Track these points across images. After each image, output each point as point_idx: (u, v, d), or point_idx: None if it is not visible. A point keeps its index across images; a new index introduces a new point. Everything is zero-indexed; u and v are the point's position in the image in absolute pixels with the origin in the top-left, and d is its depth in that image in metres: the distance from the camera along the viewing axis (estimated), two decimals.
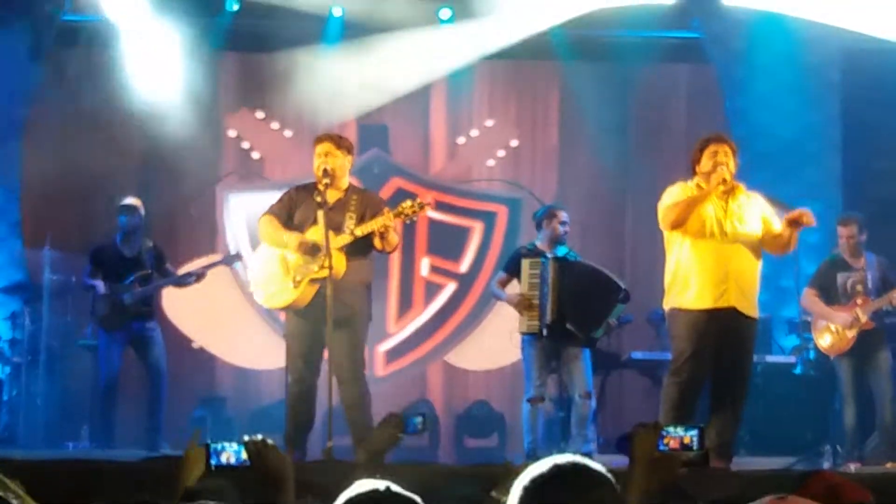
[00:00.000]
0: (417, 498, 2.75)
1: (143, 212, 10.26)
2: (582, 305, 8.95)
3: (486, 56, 12.22)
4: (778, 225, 7.64)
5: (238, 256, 10.73)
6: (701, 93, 12.67)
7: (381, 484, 2.73)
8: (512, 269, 9.35)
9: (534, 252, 9.31)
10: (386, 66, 11.98)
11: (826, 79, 12.39)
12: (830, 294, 9.67)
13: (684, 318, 7.48)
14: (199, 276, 10.17)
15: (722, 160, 7.54)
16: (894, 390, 9.50)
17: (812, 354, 11.14)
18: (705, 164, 7.58)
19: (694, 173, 7.70)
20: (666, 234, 7.71)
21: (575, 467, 2.32)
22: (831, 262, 9.81)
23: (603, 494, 2.29)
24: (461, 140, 12.78)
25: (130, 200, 10.24)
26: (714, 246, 7.47)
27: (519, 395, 9.73)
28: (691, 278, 7.49)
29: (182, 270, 10.66)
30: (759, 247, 7.65)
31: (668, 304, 7.67)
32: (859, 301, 9.50)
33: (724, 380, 7.49)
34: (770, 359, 10.87)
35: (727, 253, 7.47)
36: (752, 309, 7.56)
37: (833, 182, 12.52)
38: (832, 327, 9.59)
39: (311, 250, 7.66)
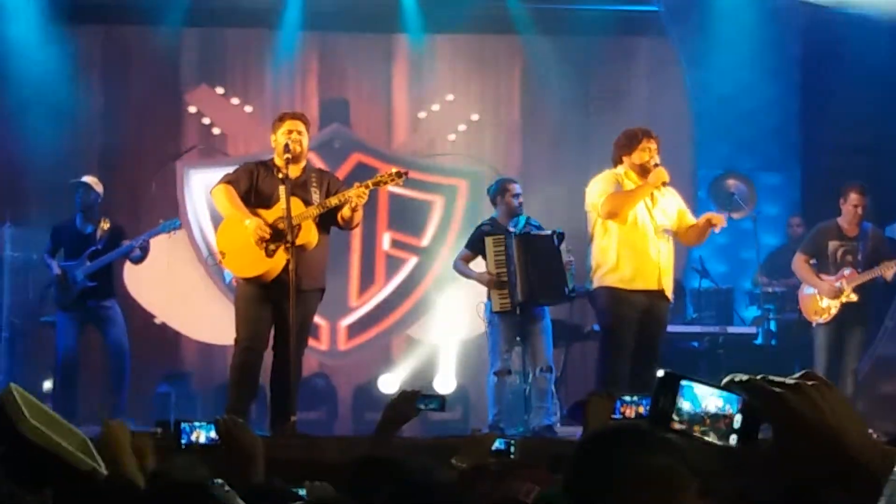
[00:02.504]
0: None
1: (99, 189, 10.13)
2: (547, 274, 9.00)
3: (448, 30, 12.23)
4: (691, 217, 8.28)
5: (176, 223, 10.44)
6: (661, 66, 12.71)
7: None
8: (475, 246, 9.35)
9: (495, 228, 9.31)
10: (347, 40, 11.97)
11: (786, 51, 12.46)
12: (821, 261, 9.64)
13: (622, 297, 8.05)
14: (142, 247, 9.96)
15: (654, 156, 8.06)
16: (857, 363, 9.57)
17: (773, 325, 11.24)
18: (637, 156, 8.09)
19: (619, 161, 8.19)
20: (595, 217, 8.16)
21: (637, 429, 2.28)
22: (826, 228, 9.72)
23: (666, 458, 2.21)
24: (422, 114, 12.78)
25: (86, 178, 10.13)
26: (642, 232, 8.03)
27: (482, 369, 9.77)
28: (626, 262, 8.04)
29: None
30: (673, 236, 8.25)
31: (600, 283, 8.15)
32: (846, 272, 9.45)
33: (646, 355, 8.01)
34: (731, 329, 10.95)
35: (652, 238, 8.04)
36: (671, 291, 8.23)
37: (792, 154, 12.62)
38: (815, 295, 9.56)
39: (277, 235, 7.62)
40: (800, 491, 1.51)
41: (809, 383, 1.45)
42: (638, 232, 8.00)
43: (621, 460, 2.22)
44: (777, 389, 1.43)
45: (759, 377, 1.45)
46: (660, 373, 1.47)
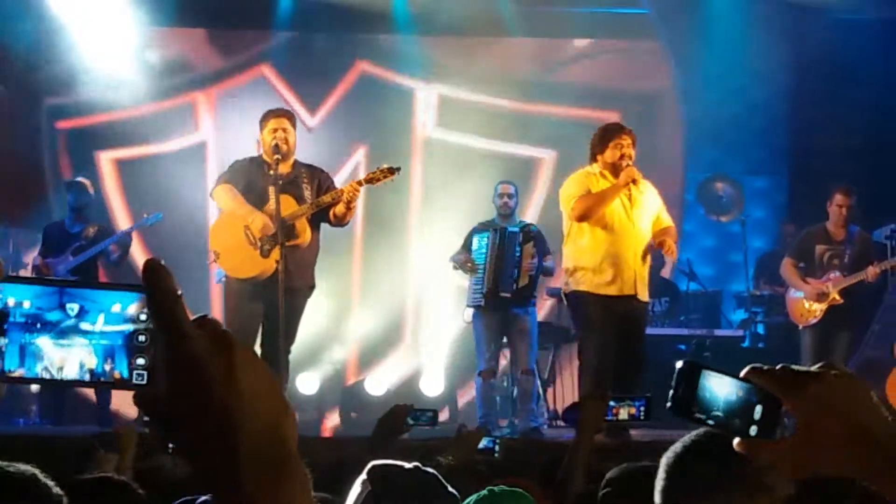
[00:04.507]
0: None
1: (92, 190, 10.13)
2: (505, 268, 9.12)
3: (437, 32, 12.23)
4: (665, 219, 8.11)
5: (158, 216, 10.39)
6: (651, 69, 12.71)
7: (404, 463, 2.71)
8: (466, 243, 9.50)
9: (488, 226, 9.42)
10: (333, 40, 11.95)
11: (774, 55, 12.46)
12: (808, 264, 9.63)
13: (597, 301, 7.85)
14: (121, 244, 9.93)
15: (627, 153, 7.88)
16: (844, 366, 9.54)
17: (760, 328, 11.24)
18: (609, 154, 7.91)
19: (594, 160, 8.02)
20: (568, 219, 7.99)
21: (710, 436, 2.28)
22: (813, 232, 9.71)
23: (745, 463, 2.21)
24: None
25: (79, 178, 10.13)
26: (620, 234, 7.84)
27: (469, 370, 9.77)
28: (603, 266, 7.84)
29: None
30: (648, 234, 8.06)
31: (575, 286, 7.97)
32: (832, 276, 9.45)
33: (630, 360, 7.82)
34: (718, 332, 10.95)
35: (631, 240, 7.86)
36: (646, 294, 8.03)
37: (780, 158, 12.64)
38: (802, 298, 9.55)
39: (273, 235, 7.60)
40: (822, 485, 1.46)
41: (833, 373, 1.41)
42: (616, 235, 7.84)
43: (726, 466, 2.23)
44: (801, 379, 1.40)
45: (779, 366, 1.42)
46: (679, 363, 1.45)
